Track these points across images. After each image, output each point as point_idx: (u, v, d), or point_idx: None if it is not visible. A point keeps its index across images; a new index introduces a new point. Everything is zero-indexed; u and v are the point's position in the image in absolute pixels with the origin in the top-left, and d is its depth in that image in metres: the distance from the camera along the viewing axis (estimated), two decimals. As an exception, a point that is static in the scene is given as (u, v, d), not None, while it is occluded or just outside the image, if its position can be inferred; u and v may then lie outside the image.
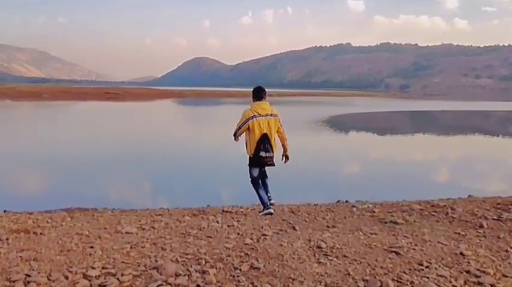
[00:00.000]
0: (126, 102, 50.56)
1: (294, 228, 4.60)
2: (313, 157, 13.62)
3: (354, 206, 5.97)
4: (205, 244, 3.92)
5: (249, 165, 5.24)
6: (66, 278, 3.05)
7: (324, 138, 19.77)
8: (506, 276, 3.29)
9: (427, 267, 3.39)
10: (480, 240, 4.26)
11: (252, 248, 3.81)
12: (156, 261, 3.41)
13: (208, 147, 15.97)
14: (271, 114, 5.09)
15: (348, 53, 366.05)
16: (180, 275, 3.13)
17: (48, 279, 3.02)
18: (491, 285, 3.10)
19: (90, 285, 2.97)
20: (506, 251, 3.91)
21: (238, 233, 4.33)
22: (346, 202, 6.71)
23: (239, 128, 5.08)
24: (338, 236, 4.30)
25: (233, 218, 5.11)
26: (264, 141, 5.01)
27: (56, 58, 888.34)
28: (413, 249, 3.86)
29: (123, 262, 3.39)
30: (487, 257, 3.70)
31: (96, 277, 3.08)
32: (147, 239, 4.10)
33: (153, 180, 10.06)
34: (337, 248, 3.85)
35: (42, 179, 10.14)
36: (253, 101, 5.18)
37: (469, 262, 3.54)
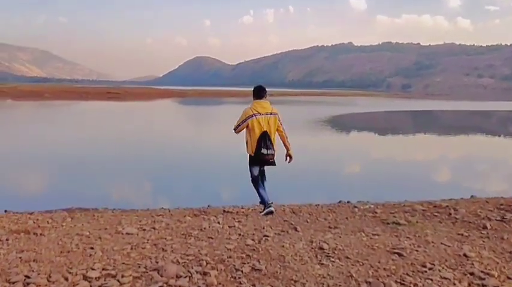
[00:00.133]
0: (127, 101, 50.55)
1: (295, 229, 4.57)
2: (315, 157, 13.57)
3: (355, 207, 5.93)
4: (206, 245, 3.90)
5: (249, 164, 5.23)
6: (66, 279, 3.03)
7: (326, 138, 19.71)
8: (510, 278, 3.26)
9: (430, 269, 3.36)
10: (484, 241, 4.23)
11: (254, 250, 3.78)
12: (157, 262, 3.39)
13: (209, 147, 15.94)
14: (271, 113, 5.09)
15: (350, 52, 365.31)
16: (181, 276, 3.11)
17: (48, 280, 3.00)
18: (495, 287, 3.06)
19: (90, 286, 2.95)
20: (510, 252, 3.87)
21: (240, 234, 4.31)
22: (348, 202, 6.65)
23: (238, 125, 5.11)
24: (340, 237, 4.27)
25: (234, 219, 5.08)
26: (265, 139, 5.01)
27: (57, 57, 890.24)
28: (416, 250, 3.83)
29: (123, 263, 3.37)
30: (490, 259, 3.66)
31: (96, 278, 3.06)
32: (148, 240, 4.08)
33: (154, 180, 10.04)
34: (340, 249, 3.82)
35: (43, 178, 10.13)
36: (254, 100, 5.19)
37: (472, 264, 3.51)
